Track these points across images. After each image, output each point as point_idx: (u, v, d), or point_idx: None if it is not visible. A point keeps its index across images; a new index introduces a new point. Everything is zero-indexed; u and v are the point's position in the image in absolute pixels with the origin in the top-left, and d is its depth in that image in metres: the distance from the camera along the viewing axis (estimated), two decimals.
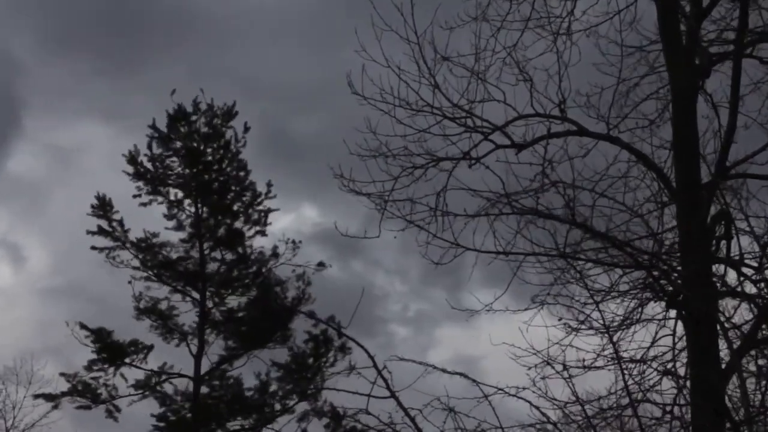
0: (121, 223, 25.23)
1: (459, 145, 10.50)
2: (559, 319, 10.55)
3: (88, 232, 25.04)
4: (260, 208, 25.99)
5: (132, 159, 25.53)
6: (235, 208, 25.89)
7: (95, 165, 47.36)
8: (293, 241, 25.82)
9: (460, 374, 10.22)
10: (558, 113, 10.49)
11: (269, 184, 26.21)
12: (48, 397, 24.67)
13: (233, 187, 26.03)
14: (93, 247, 25.10)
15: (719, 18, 10.75)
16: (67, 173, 49.15)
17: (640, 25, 10.75)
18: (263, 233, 26.05)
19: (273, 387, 24.87)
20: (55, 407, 24.79)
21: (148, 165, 25.60)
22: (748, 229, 10.62)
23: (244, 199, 26.02)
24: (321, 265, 25.73)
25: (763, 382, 10.27)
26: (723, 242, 10.31)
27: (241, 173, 26.09)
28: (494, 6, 10.82)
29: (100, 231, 25.04)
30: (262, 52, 47.88)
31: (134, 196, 25.41)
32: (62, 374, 24.47)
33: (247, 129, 26.22)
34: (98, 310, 41.42)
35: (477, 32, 10.54)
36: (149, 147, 25.64)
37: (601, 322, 10.38)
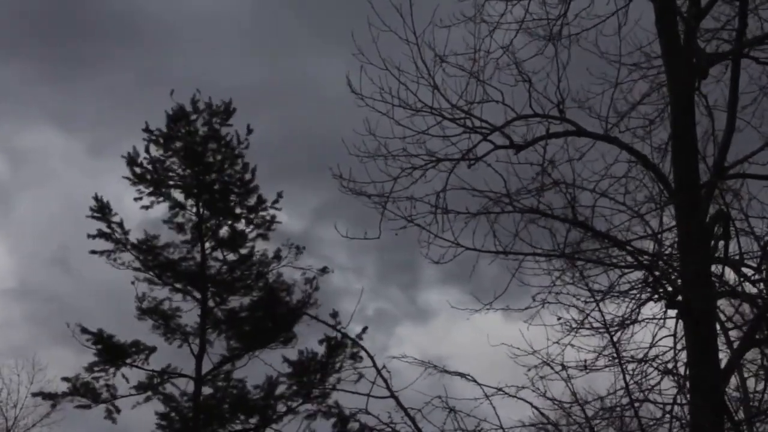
0: (120, 224, 25.27)
1: (458, 146, 10.53)
2: (558, 319, 10.58)
3: (89, 236, 25.07)
4: (264, 213, 25.99)
5: (131, 161, 25.53)
6: (238, 209, 25.89)
7: (50, 168, 47.89)
8: (297, 246, 25.84)
9: (462, 374, 10.27)
10: (557, 113, 10.50)
11: (279, 195, 26.23)
12: (48, 396, 24.71)
13: (235, 189, 26.02)
14: (93, 251, 25.14)
15: (717, 26, 10.75)
16: (23, 176, 49.86)
17: (638, 25, 10.75)
18: (265, 237, 26.06)
19: (281, 388, 24.90)
20: (54, 406, 24.87)
21: (148, 166, 25.65)
22: (748, 229, 10.63)
23: (247, 201, 26.02)
24: (324, 270, 25.75)
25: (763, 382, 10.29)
26: (722, 242, 10.31)
27: (247, 176, 26.09)
28: (489, 6, 10.85)
29: (101, 234, 25.07)
30: (207, 57, 49.15)
31: (135, 199, 25.49)
32: (64, 378, 24.54)
33: (250, 131, 26.23)
34: (57, 310, 42.00)
35: (475, 32, 10.56)
36: (146, 150, 25.70)
37: (601, 321, 10.44)
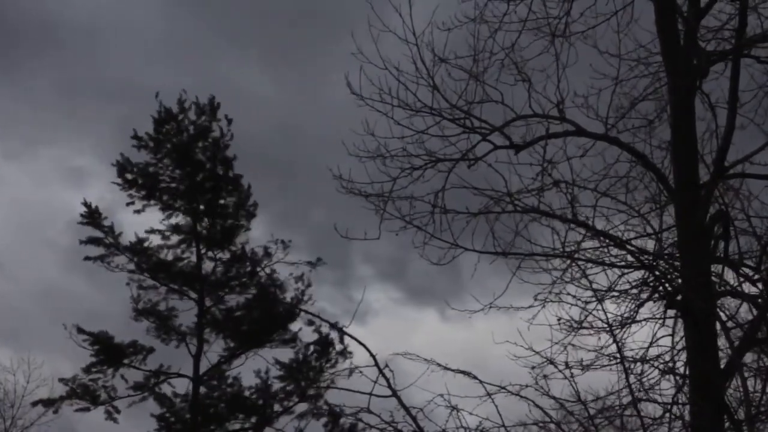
0: (112, 229, 25.30)
1: (458, 146, 10.54)
2: (559, 319, 10.56)
3: (81, 242, 25.12)
4: (251, 207, 26.02)
5: (121, 167, 25.57)
6: (227, 206, 25.91)
7: None
8: (282, 241, 25.83)
9: (464, 372, 10.25)
10: (556, 113, 10.50)
11: (248, 186, 26.24)
12: (46, 402, 24.68)
13: (224, 185, 26.03)
14: (87, 258, 25.17)
15: (717, 25, 10.74)
16: None
17: (638, 24, 10.74)
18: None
19: (275, 387, 24.89)
20: (55, 412, 24.84)
21: (138, 172, 25.67)
22: (748, 229, 10.61)
23: (234, 197, 26.02)
24: (313, 263, 25.71)
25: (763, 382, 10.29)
26: (722, 242, 10.31)
27: (229, 172, 26.08)
28: (491, 7, 10.84)
29: (92, 240, 25.14)
30: (124, 63, 49.14)
31: (128, 204, 25.56)
32: (61, 379, 24.53)
33: (229, 121, 26.21)
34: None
35: (475, 33, 10.56)
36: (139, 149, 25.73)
37: (603, 320, 10.42)
